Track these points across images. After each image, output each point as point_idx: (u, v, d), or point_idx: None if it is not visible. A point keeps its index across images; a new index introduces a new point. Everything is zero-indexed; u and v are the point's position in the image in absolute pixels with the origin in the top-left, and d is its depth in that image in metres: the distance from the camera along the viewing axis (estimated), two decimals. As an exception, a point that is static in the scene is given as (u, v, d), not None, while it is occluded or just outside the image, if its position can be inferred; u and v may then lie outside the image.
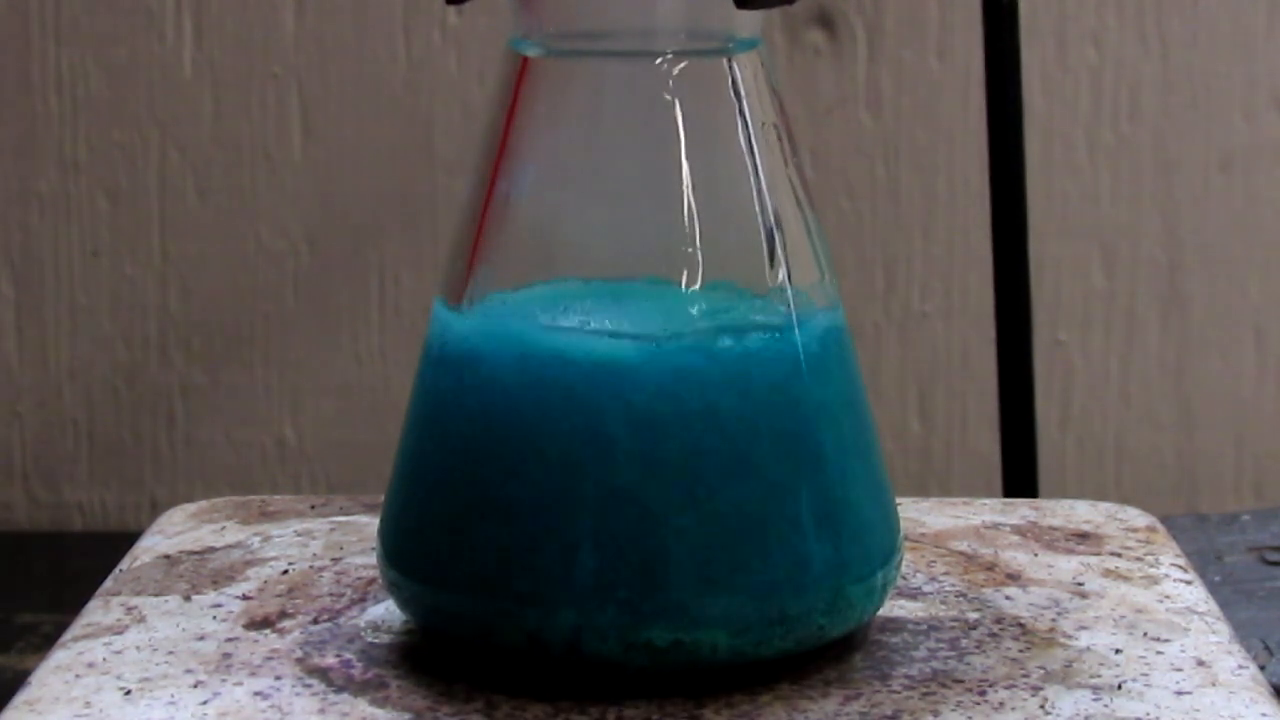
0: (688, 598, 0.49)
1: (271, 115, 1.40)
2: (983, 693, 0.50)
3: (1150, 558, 0.60)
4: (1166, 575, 0.58)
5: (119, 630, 0.54)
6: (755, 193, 0.51)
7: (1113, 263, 1.38)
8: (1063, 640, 0.53)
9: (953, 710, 0.49)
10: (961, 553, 0.60)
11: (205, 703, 0.50)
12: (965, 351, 1.39)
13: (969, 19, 1.33)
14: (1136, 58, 1.37)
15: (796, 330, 0.51)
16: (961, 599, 0.56)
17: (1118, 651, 0.53)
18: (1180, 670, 0.52)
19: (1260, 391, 1.40)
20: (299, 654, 0.53)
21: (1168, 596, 0.57)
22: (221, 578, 0.58)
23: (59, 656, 0.53)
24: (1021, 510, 0.64)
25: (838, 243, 1.33)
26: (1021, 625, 0.54)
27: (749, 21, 0.51)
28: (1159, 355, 1.39)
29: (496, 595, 0.50)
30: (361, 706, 0.50)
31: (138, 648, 0.53)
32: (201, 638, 0.54)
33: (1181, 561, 0.60)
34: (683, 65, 0.51)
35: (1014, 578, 0.58)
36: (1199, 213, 1.38)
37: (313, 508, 0.64)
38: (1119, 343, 1.39)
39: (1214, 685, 0.51)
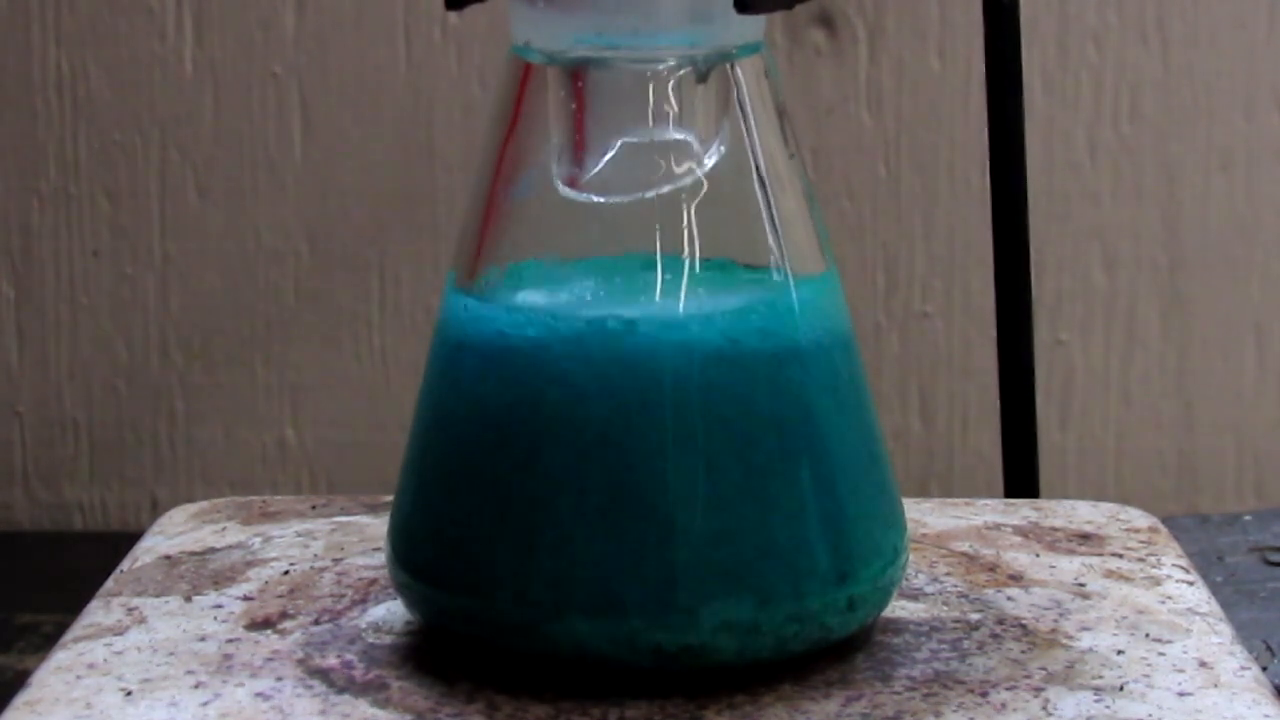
0: (697, 602, 0.49)
1: (272, 115, 1.40)
2: (985, 694, 0.50)
3: (1152, 558, 0.60)
4: (1168, 576, 0.58)
5: (120, 631, 0.54)
6: (759, 194, 0.51)
7: (1114, 263, 1.38)
8: (1065, 641, 0.53)
9: (955, 711, 0.49)
10: (963, 553, 0.60)
11: (206, 704, 0.50)
12: (966, 351, 1.39)
13: (970, 19, 1.33)
14: (1137, 57, 1.37)
15: (800, 329, 0.51)
16: (963, 600, 0.56)
17: (1120, 653, 0.53)
18: (1182, 671, 0.52)
19: (1261, 391, 1.40)
20: (300, 655, 0.53)
21: (1170, 597, 0.57)
22: (222, 578, 0.58)
23: (59, 657, 0.53)
24: (1023, 511, 0.64)
25: (839, 243, 1.32)
26: (1023, 626, 0.54)
27: (750, 26, 0.51)
28: (1160, 355, 1.39)
29: (508, 598, 0.50)
30: (363, 707, 0.50)
31: (138, 648, 0.53)
32: (202, 638, 0.54)
33: (1183, 562, 0.60)
34: (684, 71, 0.51)
35: (1016, 578, 0.58)
36: (1200, 213, 1.38)
37: (314, 508, 0.64)
38: (1120, 343, 1.39)
39: (1216, 686, 0.51)
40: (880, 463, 0.53)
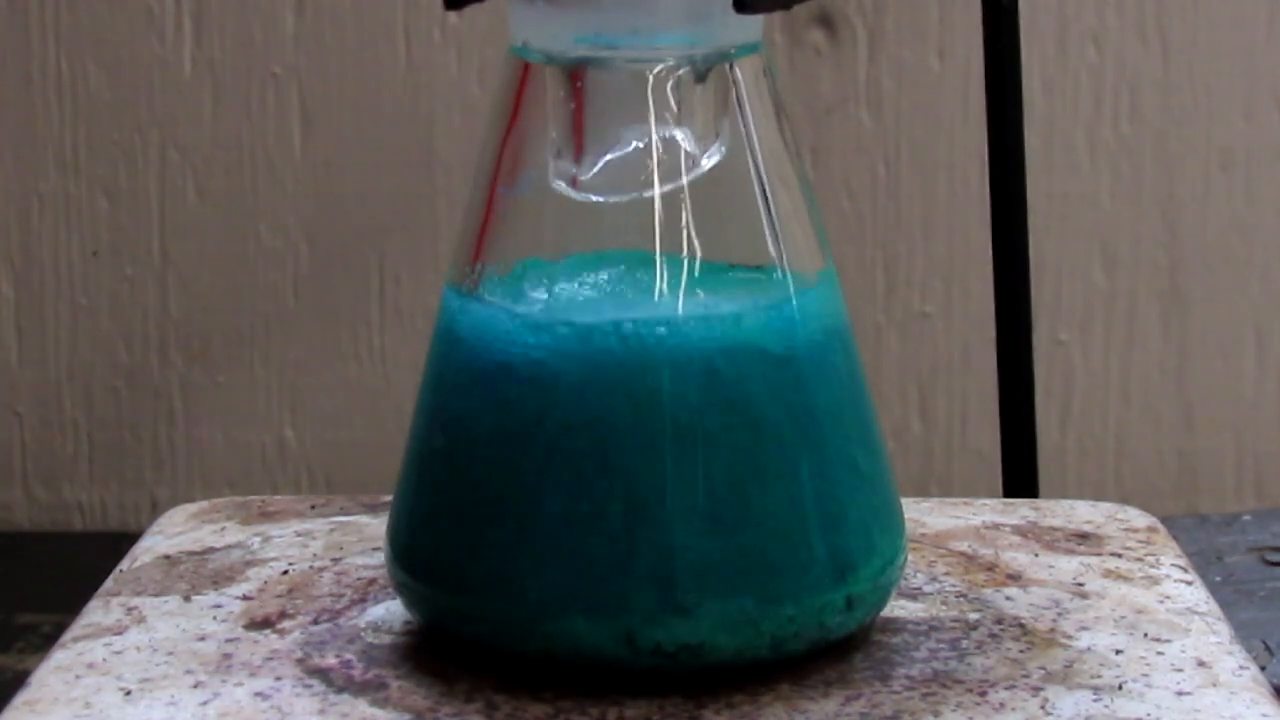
0: (695, 602, 0.49)
1: (271, 115, 1.40)
2: (983, 693, 0.50)
3: (1151, 558, 0.60)
4: (1167, 576, 0.58)
5: (119, 631, 0.54)
6: (758, 194, 0.51)
7: (1113, 262, 1.38)
8: (1063, 641, 0.53)
9: (953, 711, 0.49)
10: (962, 553, 0.60)
11: (205, 703, 0.50)
12: (966, 351, 1.39)
13: (969, 19, 1.33)
14: (1137, 57, 1.37)
15: (799, 328, 0.51)
16: (962, 599, 0.56)
17: (1118, 652, 0.53)
18: (1181, 671, 0.52)
19: (1261, 391, 1.40)
20: (299, 654, 0.53)
21: (1168, 597, 0.57)
22: (221, 578, 0.58)
23: (59, 657, 0.53)
24: (1022, 510, 0.64)
25: (838, 243, 1.32)
26: (1022, 626, 0.54)
27: (749, 26, 0.51)
28: (1159, 355, 1.39)
29: (506, 598, 0.50)
30: (362, 707, 0.50)
31: (138, 648, 0.53)
32: (202, 638, 0.54)
33: (1182, 562, 0.60)
34: (683, 71, 0.51)
35: (1014, 578, 0.58)
36: (1199, 212, 1.38)
37: (313, 508, 0.64)
38: (1119, 342, 1.39)
39: (1214, 686, 0.51)
40: (879, 462, 0.53)
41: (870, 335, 1.38)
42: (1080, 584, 0.57)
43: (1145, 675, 0.51)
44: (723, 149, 0.51)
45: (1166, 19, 1.36)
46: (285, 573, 0.59)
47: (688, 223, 0.51)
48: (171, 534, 0.62)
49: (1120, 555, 0.60)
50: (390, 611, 0.55)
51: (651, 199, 0.51)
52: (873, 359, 1.37)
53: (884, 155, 1.38)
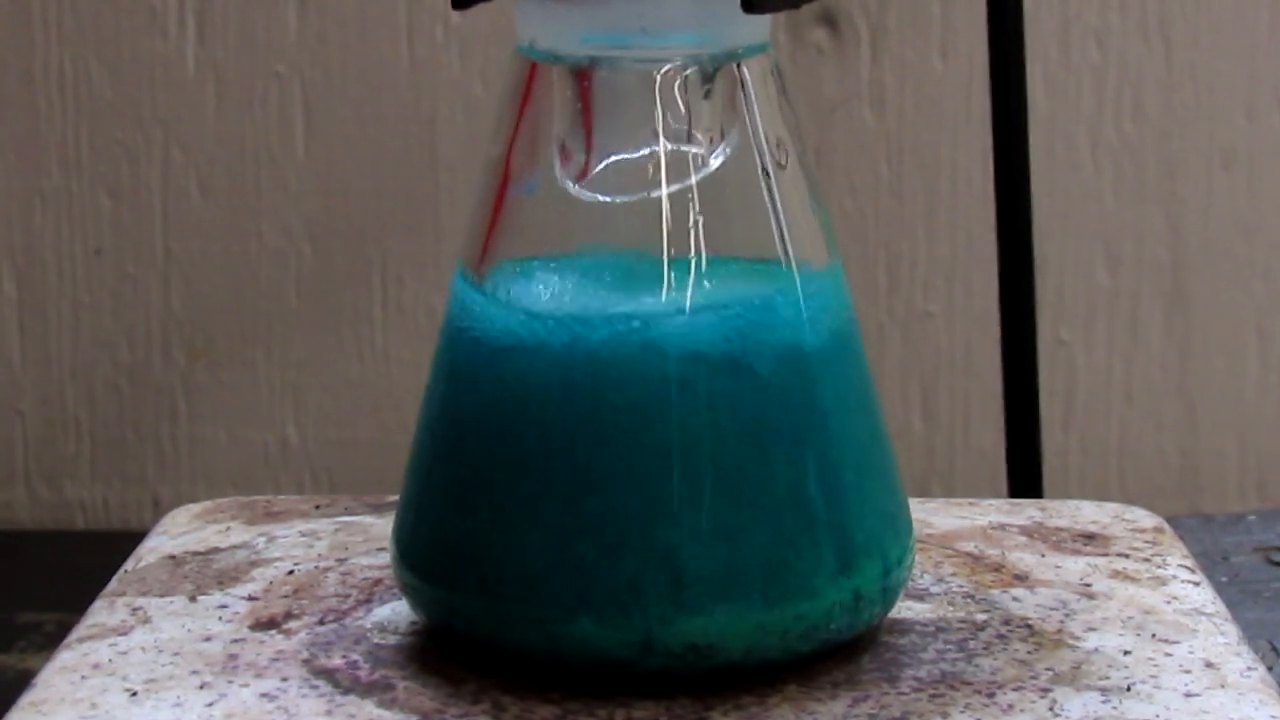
0: (703, 603, 0.49)
1: (274, 113, 1.40)
2: (991, 694, 0.50)
3: (1158, 559, 0.60)
4: (1174, 576, 0.58)
5: (124, 631, 0.54)
6: (765, 193, 0.51)
7: (1116, 262, 1.38)
8: (1071, 642, 0.53)
9: (961, 712, 0.49)
10: (969, 554, 0.60)
11: (211, 704, 0.50)
12: (969, 351, 1.39)
13: (973, 18, 1.33)
14: (1140, 56, 1.37)
15: (806, 327, 0.51)
16: (969, 600, 0.56)
17: (1126, 653, 0.53)
18: (1189, 672, 0.52)
19: (1264, 391, 1.40)
20: (305, 655, 0.53)
21: (1176, 597, 0.57)
22: (227, 578, 0.58)
23: (64, 657, 0.53)
24: (1028, 511, 0.64)
25: (841, 242, 1.32)
26: (1029, 626, 0.54)
27: (757, 25, 0.51)
28: (1163, 355, 1.39)
29: (513, 598, 0.50)
30: (368, 708, 0.50)
31: (143, 649, 0.53)
32: (207, 639, 0.54)
33: (1189, 562, 0.60)
34: (691, 71, 0.51)
35: (1021, 579, 0.58)
36: (1202, 212, 1.38)
37: (317, 508, 0.64)
38: (1123, 342, 1.39)
39: (1223, 687, 0.51)
40: (886, 461, 0.53)
41: (873, 334, 1.38)
42: (1087, 584, 0.57)
43: (1154, 676, 0.51)
44: (729, 149, 0.51)
45: (1169, 18, 1.36)
46: (290, 573, 0.58)
47: (695, 221, 0.51)
48: (176, 534, 0.62)
49: (1127, 556, 0.60)
50: (396, 612, 0.55)
51: (659, 198, 0.51)
52: (876, 358, 1.37)
53: (887, 154, 1.38)
